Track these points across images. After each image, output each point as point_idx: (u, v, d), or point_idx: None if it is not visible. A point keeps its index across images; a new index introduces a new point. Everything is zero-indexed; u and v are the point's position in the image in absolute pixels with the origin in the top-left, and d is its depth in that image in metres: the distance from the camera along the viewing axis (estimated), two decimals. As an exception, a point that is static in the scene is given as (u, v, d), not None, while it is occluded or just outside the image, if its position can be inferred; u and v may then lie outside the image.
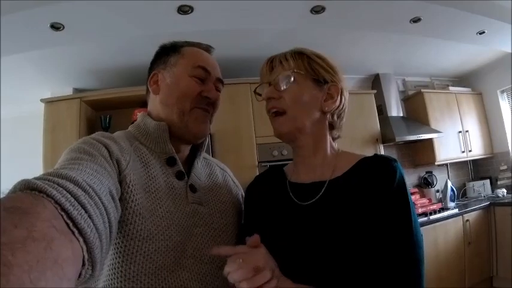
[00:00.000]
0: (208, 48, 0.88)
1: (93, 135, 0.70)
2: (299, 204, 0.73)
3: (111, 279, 0.64)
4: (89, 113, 2.78)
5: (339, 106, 0.77)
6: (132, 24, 2.22)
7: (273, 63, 0.78)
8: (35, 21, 2.00)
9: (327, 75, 0.75)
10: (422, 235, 0.64)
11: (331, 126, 0.79)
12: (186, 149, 0.85)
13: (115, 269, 0.64)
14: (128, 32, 2.30)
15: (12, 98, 3.02)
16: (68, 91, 3.03)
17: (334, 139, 0.82)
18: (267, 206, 0.79)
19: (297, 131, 0.75)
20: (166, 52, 0.84)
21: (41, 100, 2.65)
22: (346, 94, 0.79)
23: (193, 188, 0.79)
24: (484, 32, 2.86)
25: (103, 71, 2.87)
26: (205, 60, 0.82)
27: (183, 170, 0.79)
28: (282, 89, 0.75)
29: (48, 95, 2.95)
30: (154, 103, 0.84)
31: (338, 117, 0.79)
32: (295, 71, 0.74)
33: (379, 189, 0.64)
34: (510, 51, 3.34)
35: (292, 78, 0.74)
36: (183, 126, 0.79)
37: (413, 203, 0.66)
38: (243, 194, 0.96)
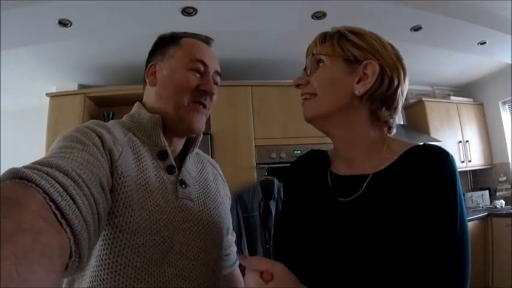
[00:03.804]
0: (207, 40, 0.84)
1: (86, 124, 0.68)
2: (338, 200, 0.67)
3: (98, 271, 0.63)
4: (92, 109, 2.84)
5: (378, 88, 0.64)
6: (137, 25, 2.27)
7: (308, 50, 0.74)
8: (44, 16, 2.05)
9: (359, 53, 0.65)
10: (469, 238, 0.57)
11: (375, 114, 0.67)
12: (179, 143, 0.83)
13: (102, 260, 0.63)
14: (133, 32, 2.36)
15: (18, 91, 3.07)
16: (72, 86, 3.08)
17: (389, 128, 0.71)
18: (306, 198, 0.73)
19: (323, 118, 0.68)
20: (165, 43, 0.82)
21: (46, 94, 2.71)
22: (394, 74, 0.65)
23: (183, 183, 0.77)
24: (485, 43, 2.87)
25: (108, 68, 2.92)
26: (204, 53, 0.80)
27: (174, 164, 0.77)
28: (309, 74, 0.70)
29: (53, 89, 3.00)
30: (149, 94, 0.82)
31: (384, 103, 0.66)
32: (316, 53, 0.69)
33: (424, 186, 0.56)
34: (511, 62, 3.35)
35: (318, 63, 0.69)
36: (178, 120, 0.77)
37: (463, 203, 0.58)
38: (229, 194, 0.97)
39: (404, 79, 0.67)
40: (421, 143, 0.64)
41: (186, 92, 0.76)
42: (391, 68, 0.65)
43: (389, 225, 0.57)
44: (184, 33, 0.84)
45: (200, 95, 0.78)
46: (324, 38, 0.70)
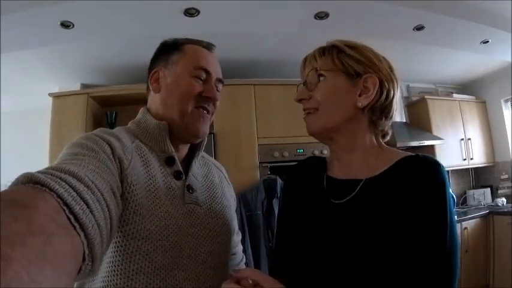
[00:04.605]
0: (209, 46, 0.85)
1: (95, 132, 0.69)
2: (332, 201, 0.70)
3: (111, 276, 0.65)
4: (95, 109, 2.84)
5: (378, 100, 0.69)
6: (139, 25, 2.28)
7: (305, 61, 0.76)
8: (46, 19, 2.05)
9: (359, 67, 0.69)
10: (458, 243, 0.60)
11: (374, 123, 0.72)
12: (184, 148, 0.85)
13: (114, 266, 0.65)
14: (136, 32, 2.36)
15: (20, 91, 3.09)
16: (75, 86, 3.09)
17: (384, 136, 0.75)
18: (302, 199, 0.77)
19: (328, 130, 0.72)
20: (168, 49, 0.82)
21: (49, 94, 2.71)
22: (391, 86, 0.70)
23: (190, 188, 0.78)
24: (487, 41, 2.87)
25: (110, 68, 2.93)
26: (207, 61, 0.81)
27: (181, 170, 0.79)
28: (312, 89, 0.72)
29: (56, 89, 3.01)
30: (154, 101, 0.82)
31: (382, 113, 0.71)
32: (319, 69, 0.71)
33: (415, 194, 0.60)
34: (513, 61, 3.34)
35: (319, 78, 0.71)
36: (183, 126, 0.78)
37: (453, 211, 0.61)
38: (234, 196, 0.98)
39: (397, 88, 0.72)
40: (414, 154, 0.67)
41: (190, 98, 0.77)
42: (388, 80, 0.70)
43: (379, 227, 0.60)
44: (187, 39, 0.84)
45: (203, 101, 0.79)
46: (323, 52, 0.73)
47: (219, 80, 0.84)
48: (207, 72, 0.80)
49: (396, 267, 0.57)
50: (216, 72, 0.83)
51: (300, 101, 0.75)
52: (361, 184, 0.68)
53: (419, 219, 0.58)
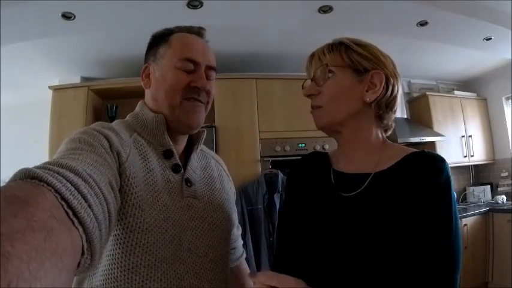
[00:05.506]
0: (199, 31, 0.83)
1: (93, 126, 0.69)
2: (341, 194, 0.72)
3: (111, 269, 0.65)
4: (95, 102, 2.83)
5: (385, 95, 0.72)
6: (141, 17, 2.25)
7: (313, 58, 0.77)
8: (47, 10, 2.03)
9: (367, 64, 0.71)
10: (461, 239, 0.62)
11: (380, 117, 0.74)
12: (182, 141, 0.84)
13: (115, 259, 0.65)
14: (138, 25, 2.33)
15: (21, 85, 3.06)
16: (75, 79, 3.07)
17: (386, 130, 0.78)
18: (309, 193, 0.78)
19: (336, 124, 0.74)
20: (157, 42, 0.81)
21: (49, 87, 2.69)
22: (395, 82, 0.73)
23: (188, 182, 0.78)
24: (490, 39, 2.86)
25: (111, 61, 2.90)
26: (193, 50, 0.78)
27: (179, 163, 0.78)
28: (321, 84, 0.74)
29: (56, 82, 2.99)
30: (147, 96, 0.83)
31: (387, 107, 0.74)
32: (329, 65, 0.72)
33: (422, 188, 0.62)
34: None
35: (328, 73, 0.73)
36: (175, 120, 0.77)
37: (457, 207, 0.64)
38: (234, 190, 0.98)
39: (400, 84, 0.76)
40: (420, 150, 0.70)
41: (176, 91, 0.76)
42: (393, 76, 0.73)
43: (388, 220, 0.62)
44: (177, 27, 0.82)
45: (193, 91, 0.77)
46: (331, 48, 0.75)
47: (210, 68, 0.80)
48: (194, 63, 0.77)
49: (403, 261, 0.59)
50: (206, 60, 0.79)
51: (309, 96, 0.77)
52: (370, 178, 0.70)
53: (427, 215, 0.61)
